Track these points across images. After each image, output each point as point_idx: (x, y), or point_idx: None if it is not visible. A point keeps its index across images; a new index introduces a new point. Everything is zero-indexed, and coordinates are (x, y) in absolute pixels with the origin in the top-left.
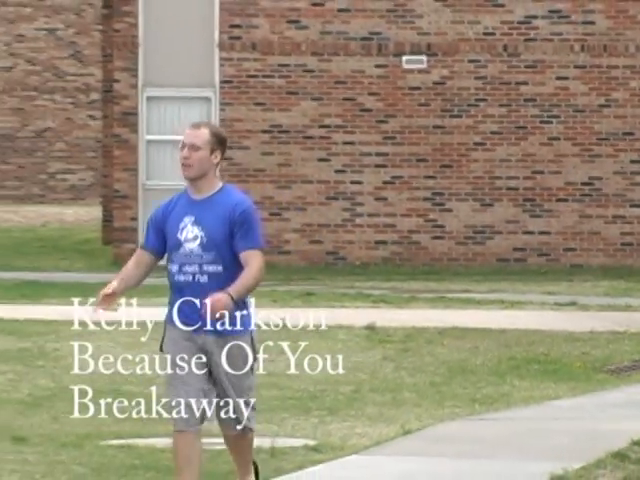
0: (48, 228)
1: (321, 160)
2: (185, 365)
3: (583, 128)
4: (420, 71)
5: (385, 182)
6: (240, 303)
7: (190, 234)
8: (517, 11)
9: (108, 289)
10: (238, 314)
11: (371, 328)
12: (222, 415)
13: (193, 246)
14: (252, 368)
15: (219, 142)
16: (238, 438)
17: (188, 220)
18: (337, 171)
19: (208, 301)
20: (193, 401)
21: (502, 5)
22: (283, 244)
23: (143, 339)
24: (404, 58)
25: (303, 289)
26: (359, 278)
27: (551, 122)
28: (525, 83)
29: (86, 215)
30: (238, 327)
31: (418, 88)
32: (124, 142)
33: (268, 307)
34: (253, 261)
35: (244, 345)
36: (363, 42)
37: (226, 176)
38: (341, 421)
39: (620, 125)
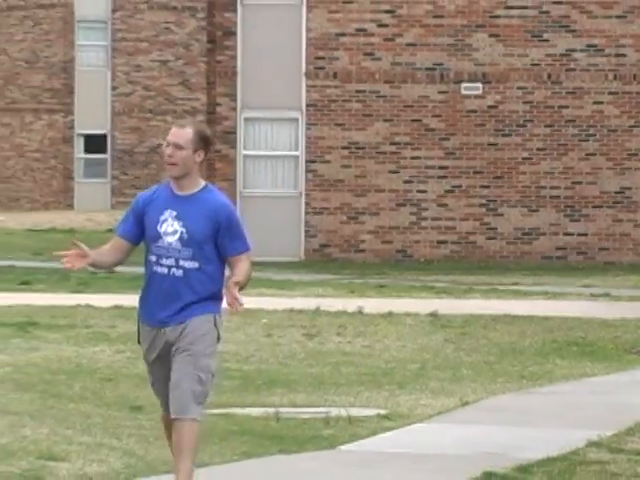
0: None
1: (392, 172)
2: (156, 362)
3: (615, 145)
4: (476, 96)
5: (446, 191)
6: (212, 295)
7: (170, 228)
8: (559, 45)
9: (84, 250)
10: (204, 301)
11: (434, 315)
12: (171, 398)
13: (172, 240)
14: (213, 350)
15: (202, 141)
16: (179, 427)
17: (169, 214)
18: (405, 181)
19: (227, 303)
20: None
21: (547, 40)
22: (359, 244)
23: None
24: (463, 85)
25: (376, 282)
26: (424, 273)
27: (588, 140)
28: (566, 107)
29: None
30: (198, 310)
31: (474, 111)
32: (224, 156)
33: (346, 297)
34: (244, 263)
35: (205, 322)
36: (428, 72)
37: (311, 185)
38: (408, 394)
39: None
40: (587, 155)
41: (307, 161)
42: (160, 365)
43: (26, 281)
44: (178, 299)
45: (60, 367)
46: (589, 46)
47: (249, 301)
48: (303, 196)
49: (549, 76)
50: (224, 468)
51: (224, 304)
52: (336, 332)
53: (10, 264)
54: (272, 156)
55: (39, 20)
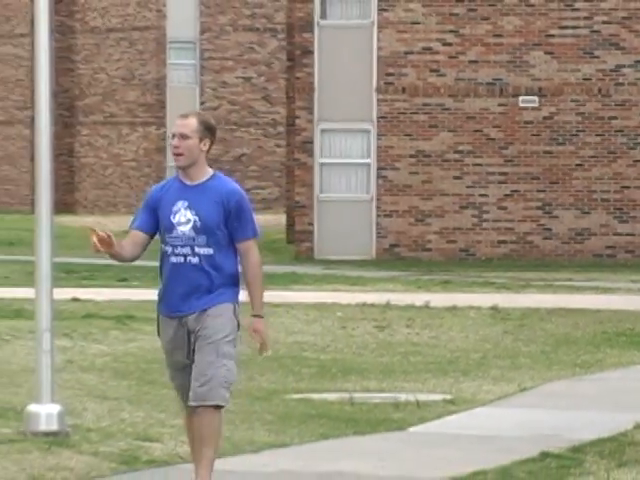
0: None
1: (455, 178)
2: (177, 353)
3: None
4: (533, 109)
5: (505, 195)
6: (229, 280)
7: (183, 218)
8: (609, 61)
9: (111, 236)
10: (222, 289)
11: (494, 308)
12: (195, 387)
13: (185, 229)
14: (233, 338)
15: (207, 130)
16: (203, 416)
17: (181, 204)
18: (468, 186)
19: (256, 334)
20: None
21: (597, 57)
22: (426, 243)
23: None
24: (520, 98)
25: (441, 278)
26: (485, 270)
27: (635, 148)
28: (615, 118)
29: (274, 221)
30: (217, 298)
31: (531, 122)
32: (303, 164)
33: (414, 292)
34: (251, 256)
35: (225, 310)
36: (488, 86)
37: (381, 190)
38: (471, 381)
39: None
40: (635, 162)
41: (378, 168)
42: (181, 356)
43: (124, 278)
44: (197, 286)
45: (154, 356)
46: (636, 62)
47: (325, 297)
48: (374, 200)
49: (599, 90)
50: (304, 448)
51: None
52: (405, 324)
53: (108, 263)
54: (346, 164)
55: (134, 41)
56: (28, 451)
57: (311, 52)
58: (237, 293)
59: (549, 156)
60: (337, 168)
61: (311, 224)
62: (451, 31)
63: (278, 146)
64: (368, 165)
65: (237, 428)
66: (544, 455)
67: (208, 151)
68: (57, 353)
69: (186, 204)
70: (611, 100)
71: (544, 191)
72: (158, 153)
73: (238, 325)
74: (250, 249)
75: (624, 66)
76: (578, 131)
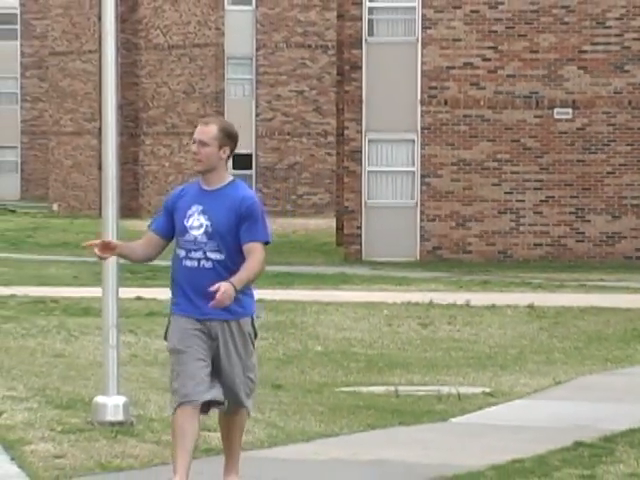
0: (297, 234)
1: (494, 185)
2: (191, 354)
3: None
4: (567, 120)
5: (541, 200)
6: (245, 288)
7: (196, 222)
8: (638, 75)
9: (110, 241)
10: (241, 296)
11: (531, 307)
12: (227, 397)
13: (197, 233)
14: (253, 349)
15: (228, 137)
16: (232, 417)
17: (196, 209)
18: (506, 193)
19: (216, 291)
20: (198, 382)
21: (627, 71)
22: (466, 246)
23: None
24: (555, 110)
25: (481, 279)
26: (522, 271)
27: None
28: None
29: (324, 225)
30: (240, 310)
31: (565, 132)
32: (352, 172)
33: (455, 292)
34: (254, 254)
35: (246, 327)
36: (525, 99)
37: (425, 197)
38: (509, 374)
39: None
40: None
41: (422, 175)
42: (197, 351)
43: None
44: (212, 291)
45: None
46: None
47: (372, 296)
48: (418, 205)
49: (629, 102)
50: (352, 438)
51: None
52: (447, 322)
53: (170, 264)
54: (392, 171)
55: (195, 57)
56: (96, 439)
57: (359, 67)
58: (254, 302)
59: (582, 164)
60: (384, 175)
61: (359, 228)
62: (490, 47)
63: (329, 155)
64: (412, 173)
65: (290, 419)
66: (577, 444)
67: (228, 158)
68: (122, 348)
69: (200, 208)
70: None
71: (577, 197)
72: None
73: (256, 334)
74: (256, 249)
75: None
76: (609, 141)
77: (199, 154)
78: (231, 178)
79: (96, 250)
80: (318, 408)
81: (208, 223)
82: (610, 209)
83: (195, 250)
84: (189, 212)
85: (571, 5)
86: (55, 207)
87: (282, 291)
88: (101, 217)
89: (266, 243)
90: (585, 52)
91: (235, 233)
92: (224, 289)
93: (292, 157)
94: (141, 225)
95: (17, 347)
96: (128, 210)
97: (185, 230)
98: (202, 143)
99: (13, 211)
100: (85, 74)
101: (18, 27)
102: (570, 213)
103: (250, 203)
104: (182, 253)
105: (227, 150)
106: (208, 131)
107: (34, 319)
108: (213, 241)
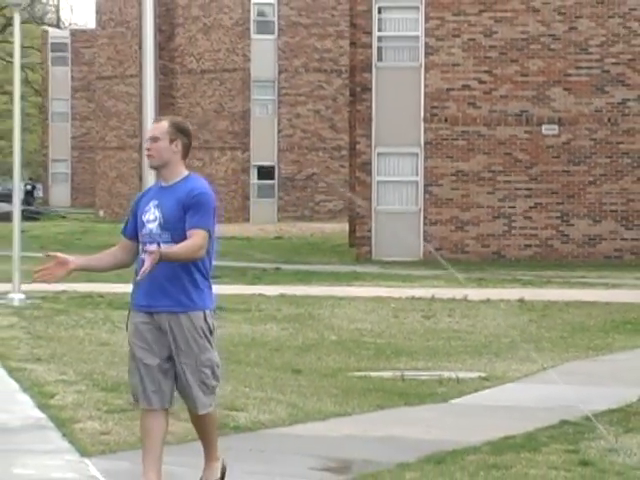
0: (314, 237)
1: (489, 193)
2: (144, 349)
3: None
4: (553, 135)
5: (530, 207)
6: (194, 281)
7: (152, 216)
8: (616, 96)
9: (61, 258)
10: (191, 289)
11: (521, 301)
12: (185, 398)
13: (152, 226)
14: (209, 345)
15: (179, 131)
16: (198, 417)
17: (152, 204)
18: (499, 200)
19: (146, 256)
20: (151, 383)
21: (607, 92)
22: (464, 247)
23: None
24: (543, 127)
25: (477, 276)
26: (514, 269)
27: (639, 168)
28: (622, 143)
29: (338, 228)
30: (190, 303)
31: (552, 146)
32: (363, 182)
33: (454, 288)
34: (194, 237)
35: (197, 321)
36: (516, 117)
37: (427, 203)
38: (502, 361)
39: None
40: (638, 179)
41: (425, 185)
42: (142, 349)
43: (216, 275)
44: (164, 283)
45: (240, 340)
46: (639, 96)
47: (381, 291)
48: (422, 211)
49: (609, 119)
50: (363, 417)
51: (146, 264)
52: (447, 314)
53: None
54: (398, 181)
55: (224, 80)
56: (137, 418)
57: (369, 89)
58: (208, 297)
59: (567, 175)
60: (391, 185)
61: (369, 231)
62: (485, 71)
63: (342, 166)
64: (416, 182)
65: (308, 400)
66: (563, 423)
67: (181, 152)
68: None
69: (156, 203)
70: (619, 128)
71: (562, 203)
72: (243, 173)
73: (211, 329)
74: (197, 234)
75: (629, 100)
76: (591, 154)
77: (151, 149)
78: (187, 173)
79: (37, 278)
80: (333, 390)
81: (160, 215)
82: (592, 214)
83: (150, 243)
84: (146, 208)
85: (557, 34)
86: (101, 213)
87: (301, 287)
88: None
89: (208, 232)
90: (570, 75)
91: (184, 223)
92: (151, 250)
93: (310, 169)
94: None
95: (68, 337)
96: None
97: (143, 224)
98: (154, 138)
99: (64, 217)
100: (127, 96)
101: (69, 55)
102: (556, 218)
103: (197, 193)
104: (140, 247)
105: (179, 144)
106: (159, 127)
107: (83, 312)
108: (166, 232)
